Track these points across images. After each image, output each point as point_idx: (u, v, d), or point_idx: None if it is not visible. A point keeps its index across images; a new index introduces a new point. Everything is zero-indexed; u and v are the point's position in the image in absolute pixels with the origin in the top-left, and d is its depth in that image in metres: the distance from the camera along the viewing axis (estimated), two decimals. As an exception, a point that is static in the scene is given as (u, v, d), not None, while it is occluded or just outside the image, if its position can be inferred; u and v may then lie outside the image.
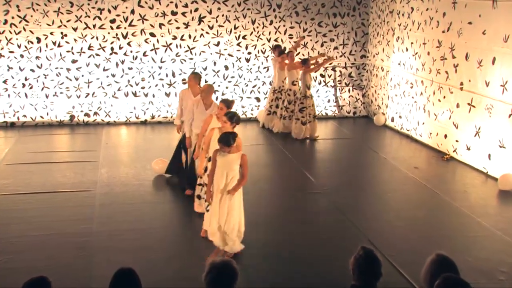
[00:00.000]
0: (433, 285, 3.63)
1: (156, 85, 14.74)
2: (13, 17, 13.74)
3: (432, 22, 12.39)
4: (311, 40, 15.31)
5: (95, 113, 14.58)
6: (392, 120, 14.35)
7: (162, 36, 14.54)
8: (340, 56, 15.58)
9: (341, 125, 14.96)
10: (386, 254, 6.93)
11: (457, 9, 11.41)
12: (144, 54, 14.54)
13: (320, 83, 15.55)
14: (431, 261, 3.97)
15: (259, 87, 15.27)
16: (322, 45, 15.38)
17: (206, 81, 13.97)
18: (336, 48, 15.49)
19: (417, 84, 13.14)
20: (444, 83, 11.98)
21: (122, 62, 14.47)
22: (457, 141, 11.47)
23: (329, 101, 15.70)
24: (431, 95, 12.51)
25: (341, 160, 12.20)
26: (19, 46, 13.92)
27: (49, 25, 13.95)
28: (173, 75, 14.77)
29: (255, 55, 15.11)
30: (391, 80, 14.39)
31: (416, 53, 13.14)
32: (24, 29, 13.86)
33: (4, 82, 14.00)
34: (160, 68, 14.68)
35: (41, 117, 14.31)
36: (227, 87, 15.07)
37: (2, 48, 13.84)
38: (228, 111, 7.64)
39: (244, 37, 14.98)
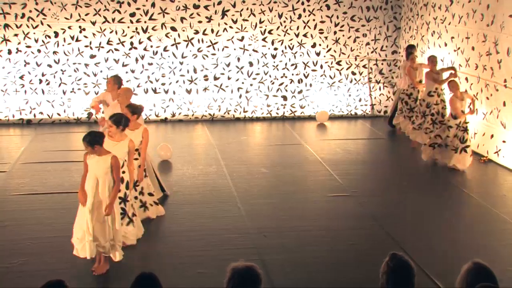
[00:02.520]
0: None
1: (177, 82, 14.83)
2: (30, 11, 13.95)
3: (475, 15, 12.29)
4: (343, 35, 15.25)
5: (114, 111, 14.71)
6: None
7: (183, 30, 14.63)
8: (372, 52, 15.51)
9: (373, 125, 14.89)
10: (419, 262, 6.89)
11: (501, 2, 11.30)
12: (165, 49, 14.64)
13: (351, 81, 15.49)
14: (467, 269, 3.94)
15: (286, 85, 15.27)
16: (354, 41, 15.32)
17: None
18: (368, 43, 15.43)
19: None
20: (489, 79, 11.89)
21: (142, 57, 14.60)
22: (504, 141, 11.33)
23: (360, 100, 15.63)
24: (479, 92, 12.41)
25: (371, 162, 12.14)
26: (36, 41, 14.12)
27: (67, 18, 14.14)
28: (195, 71, 14.85)
29: (282, 51, 15.11)
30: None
31: (459, 48, 13.03)
32: (42, 23, 14.07)
33: (21, 77, 14.22)
34: (181, 63, 14.77)
35: (58, 114, 14.50)
36: (251, 85, 15.10)
37: (19, 43, 14.06)
38: (114, 114, 7.74)
39: (270, 32, 14.99)
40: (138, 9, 14.35)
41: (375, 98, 15.73)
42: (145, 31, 14.49)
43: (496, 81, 11.53)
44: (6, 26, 13.95)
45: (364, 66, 15.53)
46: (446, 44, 13.48)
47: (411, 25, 14.92)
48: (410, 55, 13.37)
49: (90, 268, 6.88)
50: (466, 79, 12.70)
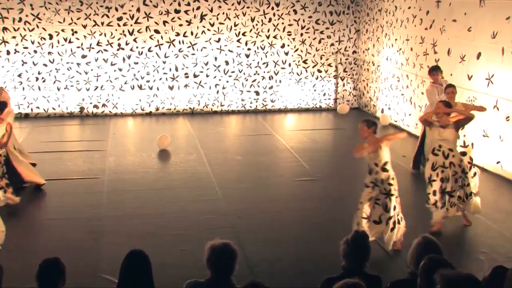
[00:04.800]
0: (419, 266, 3.67)
1: (160, 79, 14.74)
2: (27, 15, 13.73)
3: (415, 20, 12.44)
4: (309, 37, 15.28)
5: (103, 105, 14.59)
6: (382, 111, 14.36)
7: (166, 32, 14.52)
8: (336, 52, 15.56)
9: (335, 117, 14.98)
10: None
11: (441, 8, 11.44)
12: (149, 50, 14.53)
13: (317, 78, 15.54)
14: (417, 243, 4.01)
15: (258, 82, 15.26)
16: (319, 42, 15.35)
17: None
18: (332, 44, 15.48)
19: (403, 78, 13.21)
20: (426, 76, 12.05)
21: (129, 57, 14.47)
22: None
23: (324, 94, 15.69)
24: (416, 88, 12.57)
25: (334, 150, 12.23)
26: (32, 42, 13.91)
27: (60, 22, 13.94)
28: (176, 69, 14.76)
29: (255, 51, 15.09)
30: (382, 74, 14.41)
31: (400, 49, 13.19)
32: (37, 26, 13.85)
33: (19, 76, 14.00)
34: (164, 63, 14.67)
35: (53, 108, 14.33)
36: (227, 81, 15.07)
37: (17, 44, 13.84)
38: None
39: (243, 34, 14.95)
40: (124, 13, 14.21)
41: (338, 93, 15.81)
42: (131, 33, 14.35)
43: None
44: (5, 29, 13.71)
45: (329, 65, 15.57)
46: (392, 45, 13.65)
47: (368, 28, 15.01)
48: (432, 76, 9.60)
49: (83, 248, 6.84)
50: (407, 76, 12.91)
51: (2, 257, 5.24)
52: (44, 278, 3.84)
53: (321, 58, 15.49)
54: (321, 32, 15.34)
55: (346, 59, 15.68)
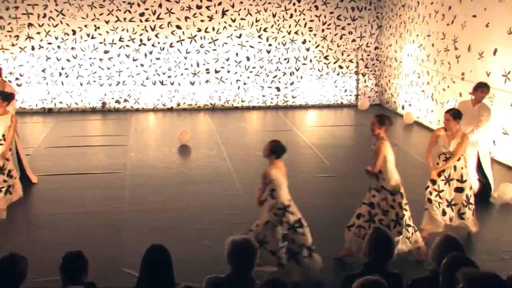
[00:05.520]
0: (441, 264, 3.64)
1: (182, 75, 14.79)
2: (51, 11, 13.88)
3: (437, 15, 12.30)
4: (330, 33, 15.20)
5: (125, 100, 14.70)
6: (403, 108, 14.24)
7: (187, 28, 14.56)
8: (357, 48, 15.46)
9: (356, 113, 14.89)
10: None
11: (463, 3, 11.31)
12: (171, 45, 14.58)
13: (338, 74, 15.46)
14: (438, 242, 3.97)
15: (279, 78, 15.23)
16: (341, 38, 15.27)
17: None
18: (354, 40, 15.38)
19: (423, 74, 13.10)
20: (447, 73, 11.93)
21: (150, 53, 14.54)
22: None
23: (345, 90, 15.61)
24: (436, 84, 12.45)
25: (355, 146, 12.16)
26: (56, 38, 14.06)
27: (83, 18, 14.06)
28: (197, 65, 14.80)
29: (276, 47, 15.06)
30: (403, 70, 14.29)
31: (421, 45, 13.06)
32: (61, 22, 14.00)
33: (43, 71, 14.17)
34: (186, 58, 14.72)
35: (76, 103, 14.48)
36: (248, 77, 15.07)
37: (41, 40, 14.00)
38: None
39: (265, 30, 14.93)
40: (146, 9, 14.28)
41: (360, 89, 15.71)
42: (153, 29, 14.42)
43: (453, 74, 11.61)
44: (30, 25, 13.88)
45: (350, 61, 15.49)
46: (413, 41, 13.53)
47: (391, 23, 14.87)
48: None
49: (105, 241, 6.91)
50: (428, 72, 12.78)
51: (26, 249, 5.31)
52: (68, 270, 3.89)
53: (342, 54, 15.40)
54: (343, 28, 15.25)
55: (368, 55, 15.57)
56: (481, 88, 7.95)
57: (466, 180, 6.97)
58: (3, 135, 7.78)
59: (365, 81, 15.72)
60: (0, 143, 7.78)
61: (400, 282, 4.07)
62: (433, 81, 12.70)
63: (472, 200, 7.00)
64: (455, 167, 6.97)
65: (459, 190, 6.95)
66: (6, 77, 13.94)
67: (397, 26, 14.57)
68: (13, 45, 13.91)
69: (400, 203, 6.32)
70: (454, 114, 6.94)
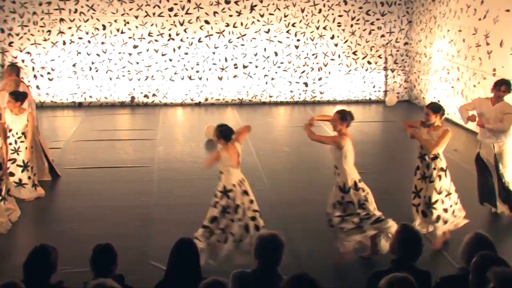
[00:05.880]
0: (471, 263, 3.59)
1: (210, 69, 14.84)
2: (82, 6, 14.07)
3: (469, 10, 12.09)
4: (359, 28, 15.08)
5: (154, 95, 14.82)
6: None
7: (216, 23, 14.60)
8: (386, 44, 15.31)
9: (385, 109, 14.76)
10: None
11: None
12: (199, 40, 14.64)
13: (366, 70, 15.34)
14: (469, 239, 3.92)
15: (307, 73, 15.18)
16: (369, 33, 15.14)
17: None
18: (383, 35, 15.23)
19: (453, 70, 12.90)
20: (478, 69, 11.73)
21: (179, 47, 14.62)
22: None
23: (374, 86, 15.48)
24: (467, 81, 12.25)
25: (384, 142, 12.05)
26: (87, 33, 14.24)
27: (113, 13, 14.21)
28: (226, 60, 14.83)
29: (304, 42, 15.00)
30: (432, 66, 14.10)
31: (452, 40, 12.86)
32: (92, 17, 14.17)
33: (73, 65, 14.37)
34: (214, 53, 14.76)
35: (105, 98, 14.65)
36: (276, 72, 15.05)
37: (72, 35, 14.20)
38: None
39: (293, 25, 14.88)
40: (175, 4, 14.35)
41: (389, 85, 15.56)
42: (181, 24, 14.49)
43: (484, 70, 11.40)
44: (62, 20, 14.08)
45: (379, 56, 15.35)
46: (444, 36, 13.32)
47: (422, 18, 14.68)
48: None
49: (133, 235, 6.98)
50: (458, 68, 12.58)
51: (57, 240, 5.40)
52: (97, 262, 3.95)
53: (371, 50, 15.27)
54: (372, 23, 15.11)
55: (397, 50, 15.40)
56: (500, 86, 7.29)
57: (433, 181, 6.56)
58: (23, 133, 7.98)
59: (393, 77, 15.56)
60: (21, 141, 7.99)
61: (429, 280, 4.03)
62: (463, 77, 12.50)
63: (436, 205, 6.52)
64: (428, 166, 6.63)
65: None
66: (38, 71, 14.20)
67: (427, 21, 14.37)
68: (45, 40, 14.14)
69: (360, 200, 6.21)
70: (434, 108, 6.62)
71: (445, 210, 6.59)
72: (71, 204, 8.07)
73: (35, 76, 14.27)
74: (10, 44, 14.04)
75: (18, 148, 7.99)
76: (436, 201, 6.56)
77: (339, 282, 5.96)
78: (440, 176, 6.56)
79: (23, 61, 14.14)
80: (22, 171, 8.03)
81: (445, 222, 6.62)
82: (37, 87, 14.31)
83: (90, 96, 14.61)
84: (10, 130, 7.91)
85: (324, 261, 6.36)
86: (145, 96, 14.78)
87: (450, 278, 3.93)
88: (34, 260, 3.83)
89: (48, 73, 14.31)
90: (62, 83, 14.41)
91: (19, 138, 8.00)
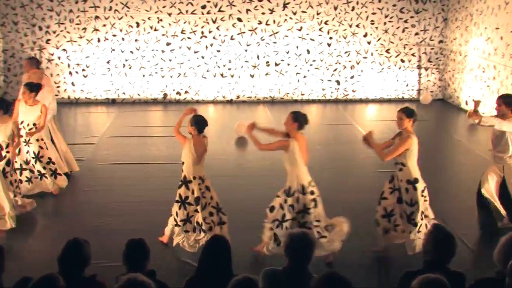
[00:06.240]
0: (507, 264, 3.51)
1: (242, 67, 14.87)
2: (116, 4, 14.24)
3: (507, 7, 11.83)
4: (392, 26, 14.91)
5: (186, 92, 14.91)
6: (466, 103, 13.82)
7: (248, 21, 14.61)
8: (420, 42, 15.11)
9: (418, 108, 14.56)
10: (460, 233, 6.73)
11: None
12: (231, 38, 14.67)
13: (399, 68, 15.16)
14: (505, 241, 3.83)
15: (339, 71, 15.07)
16: (403, 31, 14.96)
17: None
18: (417, 33, 15.03)
19: (489, 69, 12.64)
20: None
21: (211, 45, 14.68)
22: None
23: (407, 85, 15.29)
24: (504, 79, 11.99)
25: (419, 141, 11.88)
26: (121, 30, 14.41)
27: (147, 10, 14.34)
28: (258, 57, 14.83)
29: (336, 40, 14.90)
30: (468, 64, 13.85)
31: (489, 38, 12.59)
32: (126, 15, 14.33)
33: (107, 62, 14.56)
34: (246, 51, 14.78)
35: (138, 94, 14.80)
36: (308, 70, 14.99)
37: (106, 32, 14.39)
38: None
39: (326, 23, 14.79)
40: (208, 1, 14.41)
41: (422, 83, 15.35)
42: (214, 21, 14.54)
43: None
44: (97, 17, 14.28)
45: (412, 55, 15.15)
46: (481, 34, 13.06)
47: (458, 16, 14.43)
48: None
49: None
50: (494, 66, 12.31)
51: (91, 234, 5.47)
52: (130, 257, 3.99)
53: (404, 48, 15.08)
54: (405, 21, 14.92)
55: (432, 48, 15.18)
56: (499, 100, 6.72)
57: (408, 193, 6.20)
58: (34, 124, 8.00)
59: (427, 75, 15.34)
60: (32, 132, 8.03)
61: (463, 282, 3.96)
62: (500, 75, 12.25)
63: (416, 219, 6.12)
64: (397, 177, 6.29)
65: (399, 200, 6.33)
66: (73, 68, 14.44)
67: (463, 18, 14.12)
68: (80, 37, 14.36)
69: (314, 199, 6.11)
70: (407, 112, 6.30)
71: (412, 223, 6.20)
72: (104, 199, 8.17)
73: (70, 73, 14.51)
74: (47, 41, 14.31)
75: (29, 140, 8.03)
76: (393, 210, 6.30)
77: (369, 281, 5.91)
78: (407, 189, 6.20)
79: (59, 58, 14.40)
80: (35, 162, 8.08)
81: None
82: (72, 83, 14.56)
83: (123, 93, 14.78)
84: (22, 122, 7.97)
85: (353, 260, 6.31)
86: (177, 93, 14.89)
87: (485, 281, 3.84)
88: (68, 254, 3.89)
89: (83, 70, 14.53)
90: (96, 80, 14.62)
91: (30, 129, 8.01)
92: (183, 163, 6.35)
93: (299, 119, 6.20)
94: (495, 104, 6.84)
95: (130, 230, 6.71)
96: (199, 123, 6.31)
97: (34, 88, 8.06)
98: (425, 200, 6.24)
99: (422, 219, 6.12)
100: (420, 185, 6.20)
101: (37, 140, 8.12)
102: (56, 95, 14.49)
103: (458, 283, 3.88)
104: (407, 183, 6.19)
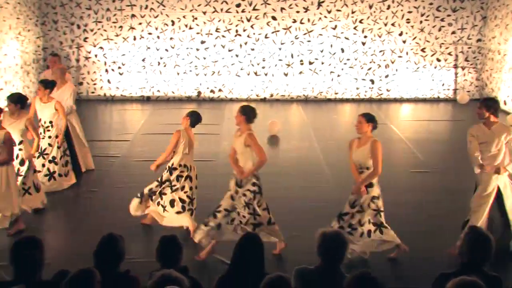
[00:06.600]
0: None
1: (275, 65, 14.85)
2: (152, 3, 14.40)
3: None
4: (428, 24, 14.69)
5: (220, 90, 14.97)
6: (505, 103, 13.52)
7: (282, 19, 14.58)
8: (458, 41, 14.84)
9: (454, 108, 14.32)
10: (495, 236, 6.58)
11: None
12: (266, 36, 14.67)
13: (435, 67, 14.93)
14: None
15: (374, 70, 14.93)
16: (439, 30, 14.72)
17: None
18: (453, 32, 14.77)
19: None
20: None
21: (245, 43, 14.70)
22: None
23: (443, 84, 15.05)
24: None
25: (452, 142, 11.70)
26: (156, 29, 14.56)
27: (182, 9, 14.45)
28: (291, 56, 14.79)
29: (371, 38, 14.75)
30: (507, 63, 13.54)
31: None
32: (161, 13, 14.47)
33: (143, 60, 14.72)
34: (280, 49, 14.75)
35: (173, 92, 14.93)
36: (342, 69, 14.88)
37: (142, 30, 14.56)
38: None
39: (361, 21, 14.66)
40: (243, 0, 14.43)
41: (459, 83, 15.09)
42: (248, 20, 14.56)
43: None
44: (133, 16, 14.45)
45: (449, 54, 14.90)
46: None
47: (497, 14, 14.12)
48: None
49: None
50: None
51: (125, 230, 5.53)
52: (163, 253, 4.02)
53: (440, 47, 14.84)
54: (442, 20, 14.68)
55: (469, 47, 14.89)
56: (480, 103, 6.54)
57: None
58: (50, 122, 8.06)
59: (464, 74, 15.07)
60: (48, 129, 8.09)
61: (500, 285, 3.86)
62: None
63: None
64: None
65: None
66: (109, 66, 14.64)
67: (503, 16, 13.81)
68: (117, 35, 14.56)
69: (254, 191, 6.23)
70: (367, 116, 6.14)
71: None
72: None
73: (106, 70, 14.73)
74: (85, 39, 14.56)
75: (44, 138, 8.05)
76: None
77: (402, 282, 5.84)
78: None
79: (96, 55, 14.63)
80: (38, 157, 8.01)
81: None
82: (108, 81, 14.78)
83: (158, 91, 14.93)
84: (40, 120, 8.04)
85: (386, 260, 6.24)
86: (211, 91, 14.96)
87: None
88: (103, 248, 3.94)
89: (119, 67, 14.73)
90: (131, 78, 14.80)
91: (46, 127, 8.09)
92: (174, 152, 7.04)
93: (249, 114, 6.65)
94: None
95: (163, 227, 6.78)
96: (196, 119, 7.31)
97: (49, 85, 8.10)
98: (374, 209, 6.11)
99: (362, 224, 6.04)
100: (375, 191, 6.13)
101: (50, 137, 8.13)
102: (93, 93, 14.77)
103: (494, 286, 3.79)
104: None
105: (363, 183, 6.05)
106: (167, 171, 6.90)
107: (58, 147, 8.22)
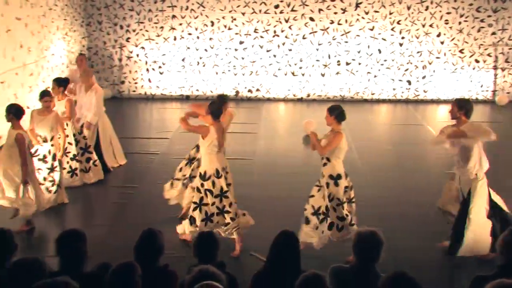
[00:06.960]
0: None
1: (313, 66, 14.80)
2: (193, 4, 14.53)
3: None
4: (467, 25, 14.41)
5: (257, 90, 15.01)
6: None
7: (320, 20, 14.52)
8: (498, 41, 14.51)
9: (493, 110, 14.02)
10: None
11: None
12: (303, 37, 14.63)
13: (473, 68, 14.63)
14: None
15: (411, 71, 14.72)
16: (478, 30, 14.42)
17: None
18: (493, 33, 14.45)
19: None
20: None
21: (283, 44, 14.69)
22: None
23: (481, 86, 14.74)
24: None
25: (488, 144, 11.44)
26: (196, 29, 14.68)
27: (221, 10, 14.53)
28: (329, 57, 14.72)
29: (409, 39, 14.56)
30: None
31: None
32: (201, 14, 14.59)
33: (182, 60, 14.88)
34: (317, 50, 14.69)
35: (211, 91, 15.03)
36: (379, 70, 14.73)
37: (182, 31, 14.71)
38: None
39: (398, 22, 14.48)
40: (281, 1, 14.44)
41: (498, 84, 14.75)
42: (286, 20, 14.55)
43: None
44: (173, 16, 14.62)
45: (488, 55, 14.58)
46: None
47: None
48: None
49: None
50: None
51: (163, 225, 5.61)
52: (200, 249, 4.07)
53: (479, 48, 14.54)
54: (482, 20, 14.37)
55: (510, 49, 14.53)
56: (453, 102, 6.69)
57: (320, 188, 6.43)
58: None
59: (503, 76, 14.72)
60: (63, 128, 8.10)
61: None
62: None
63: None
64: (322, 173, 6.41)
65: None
66: (150, 65, 14.84)
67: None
68: (158, 35, 14.75)
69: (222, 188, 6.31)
70: (330, 109, 6.59)
71: (340, 218, 6.30)
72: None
73: (147, 69, 14.94)
74: (127, 39, 14.79)
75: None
76: (321, 207, 6.37)
77: (437, 282, 5.76)
78: (328, 184, 6.33)
79: (137, 55, 14.85)
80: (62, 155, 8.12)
81: (341, 229, 6.33)
82: (149, 80, 14.98)
83: (197, 90, 15.06)
84: None
85: (421, 261, 6.16)
86: (249, 90, 15.01)
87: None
88: (144, 243, 4.01)
89: (159, 67, 14.92)
90: (171, 77, 14.97)
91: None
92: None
93: (212, 106, 6.91)
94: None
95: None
96: (217, 112, 6.97)
97: (63, 83, 8.29)
98: (349, 202, 6.38)
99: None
100: (343, 182, 6.32)
101: (67, 136, 8.18)
102: (134, 91, 15.02)
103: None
104: (329, 178, 6.34)
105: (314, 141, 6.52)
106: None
107: (76, 144, 8.39)
